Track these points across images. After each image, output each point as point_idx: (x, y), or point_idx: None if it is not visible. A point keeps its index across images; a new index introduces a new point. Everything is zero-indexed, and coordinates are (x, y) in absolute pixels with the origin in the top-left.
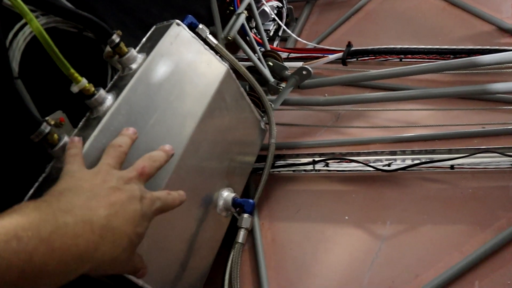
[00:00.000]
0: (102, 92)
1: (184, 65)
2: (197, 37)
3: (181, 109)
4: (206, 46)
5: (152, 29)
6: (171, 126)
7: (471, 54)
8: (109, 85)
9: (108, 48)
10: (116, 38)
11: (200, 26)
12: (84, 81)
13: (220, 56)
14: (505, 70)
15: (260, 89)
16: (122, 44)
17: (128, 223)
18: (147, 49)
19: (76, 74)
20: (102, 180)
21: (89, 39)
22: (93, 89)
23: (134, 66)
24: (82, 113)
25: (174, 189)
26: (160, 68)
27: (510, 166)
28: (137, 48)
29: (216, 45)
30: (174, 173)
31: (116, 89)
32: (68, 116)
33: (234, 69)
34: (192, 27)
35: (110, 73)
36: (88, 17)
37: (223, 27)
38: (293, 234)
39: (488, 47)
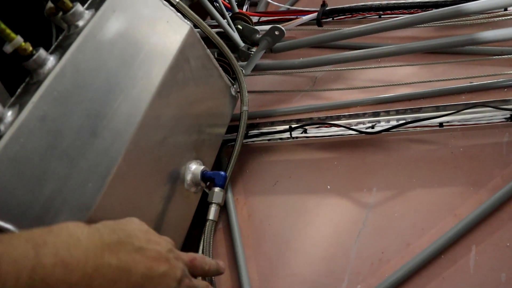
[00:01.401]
0: (42, 52)
1: (140, 22)
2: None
3: (137, 71)
4: (165, 2)
5: None
6: (126, 91)
7: (451, 5)
8: (53, 46)
9: (49, 4)
10: None
11: None
12: (19, 39)
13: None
14: (492, 19)
15: (229, 51)
16: None
17: None
18: (97, 4)
19: (8, 31)
20: (156, 242)
21: None
22: (30, 48)
23: (81, 23)
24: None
25: (132, 163)
26: (111, 24)
27: (503, 120)
28: (86, 3)
29: (178, 2)
30: (132, 143)
31: (61, 49)
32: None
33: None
34: None
35: (55, 33)
36: None
37: None
38: (271, 208)
39: None
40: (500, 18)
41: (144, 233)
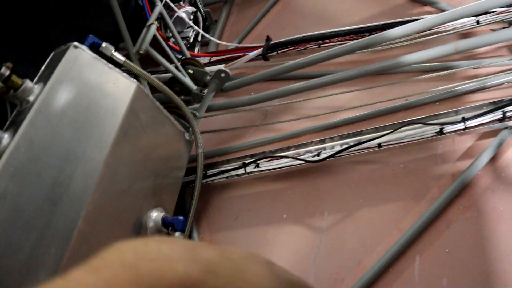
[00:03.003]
0: None
1: (88, 88)
2: (99, 58)
3: (90, 135)
4: (111, 65)
5: (50, 56)
6: (81, 155)
7: (385, 29)
8: (7, 123)
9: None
10: (5, 71)
11: (104, 44)
12: None
13: (129, 73)
14: (418, 40)
15: (177, 99)
16: (14, 77)
17: None
18: (45, 78)
19: None
20: None
21: None
22: None
23: (31, 98)
24: None
25: (93, 223)
26: (60, 96)
27: (434, 134)
28: (36, 78)
29: (124, 61)
30: (91, 204)
31: (14, 126)
32: None
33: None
34: (96, 47)
35: (9, 110)
36: None
37: (136, 40)
38: (234, 242)
39: (400, 19)
40: (426, 38)
41: None
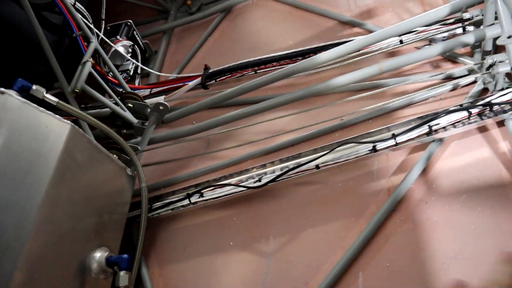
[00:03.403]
0: None
1: (17, 134)
2: (29, 102)
3: (22, 182)
4: (42, 108)
5: None
6: (12, 205)
7: (317, 52)
8: None
9: None
10: None
11: (34, 87)
12: None
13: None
14: (349, 61)
15: (115, 135)
16: None
17: None
18: None
19: None
20: None
21: None
22: None
23: None
24: None
25: (29, 273)
26: None
27: (368, 152)
28: None
29: (58, 102)
30: (27, 252)
31: None
32: None
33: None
34: (26, 90)
35: None
36: None
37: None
38: (184, 274)
39: (330, 42)
40: (356, 59)
41: None
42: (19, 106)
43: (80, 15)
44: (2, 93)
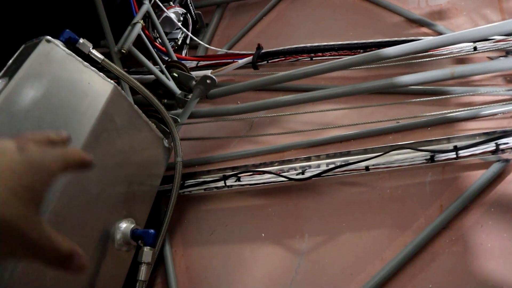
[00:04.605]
0: None
1: (58, 87)
2: (74, 54)
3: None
4: (87, 63)
5: (20, 49)
6: None
7: (380, 47)
8: None
9: None
10: None
11: (81, 40)
12: None
13: (107, 73)
14: (413, 61)
15: (158, 104)
16: None
17: (5, 174)
18: (11, 73)
19: None
20: None
21: None
22: None
23: None
24: None
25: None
26: (26, 93)
27: (425, 161)
28: (1, 72)
29: (103, 60)
30: (53, 212)
31: None
32: None
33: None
34: (72, 43)
35: None
36: None
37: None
38: (208, 259)
39: (396, 38)
40: (421, 60)
41: None
42: (64, 57)
43: None
44: (48, 41)
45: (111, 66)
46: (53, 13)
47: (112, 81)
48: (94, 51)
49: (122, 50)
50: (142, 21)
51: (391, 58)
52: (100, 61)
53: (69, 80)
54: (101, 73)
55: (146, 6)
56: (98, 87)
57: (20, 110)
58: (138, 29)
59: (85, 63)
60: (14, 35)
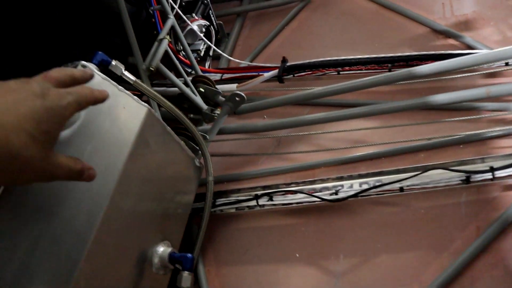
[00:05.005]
0: None
1: (94, 113)
2: (109, 79)
3: (97, 166)
4: (121, 87)
5: None
6: (84, 189)
7: (409, 61)
8: None
9: None
10: None
11: (113, 62)
12: None
13: (140, 94)
14: (443, 77)
15: (189, 123)
16: None
17: (25, 119)
18: None
19: None
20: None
21: None
22: None
23: None
24: None
25: (95, 262)
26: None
27: (460, 182)
28: None
29: (135, 81)
30: (94, 243)
31: None
32: None
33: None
34: (104, 65)
35: None
36: None
37: (146, 54)
38: (242, 279)
39: (424, 52)
40: (452, 76)
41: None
42: (99, 82)
43: None
44: (84, 66)
45: (144, 87)
46: (79, 30)
47: (145, 104)
48: (126, 73)
49: (151, 68)
50: (168, 37)
51: (426, 77)
52: (132, 83)
53: (105, 106)
54: (135, 96)
55: (171, 20)
56: (133, 111)
57: (63, 138)
58: (165, 45)
59: (120, 86)
60: (41, 52)
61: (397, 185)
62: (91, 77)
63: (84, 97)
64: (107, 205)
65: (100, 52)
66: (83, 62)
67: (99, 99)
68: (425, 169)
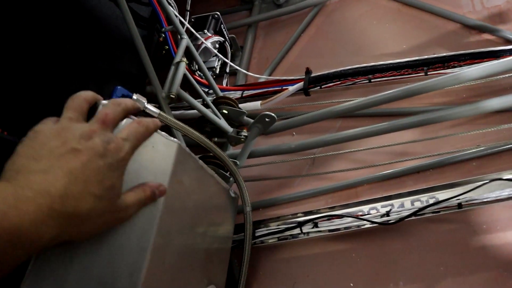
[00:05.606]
0: None
1: None
2: (133, 117)
3: (130, 219)
4: None
5: None
6: (126, 247)
7: (446, 63)
8: None
9: None
10: None
11: (135, 96)
12: None
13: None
14: (490, 78)
15: (221, 154)
16: None
17: (91, 183)
18: None
19: None
20: (62, 142)
21: None
22: None
23: None
24: None
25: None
26: None
27: None
28: None
29: (159, 114)
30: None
31: None
32: None
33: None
34: None
35: None
36: None
37: (162, 77)
38: None
39: (462, 52)
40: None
41: (46, 145)
42: (124, 122)
43: (170, 6)
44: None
45: (170, 120)
46: (95, 62)
47: (175, 139)
48: (149, 106)
49: (171, 95)
50: (185, 59)
51: (474, 81)
52: (156, 116)
53: None
54: (162, 132)
55: (186, 40)
56: (162, 149)
57: None
58: (183, 68)
59: None
60: (52, 84)
61: (455, 201)
62: (141, 108)
63: (140, 138)
64: (148, 260)
65: (119, 87)
66: (103, 102)
67: (153, 130)
68: (484, 183)
